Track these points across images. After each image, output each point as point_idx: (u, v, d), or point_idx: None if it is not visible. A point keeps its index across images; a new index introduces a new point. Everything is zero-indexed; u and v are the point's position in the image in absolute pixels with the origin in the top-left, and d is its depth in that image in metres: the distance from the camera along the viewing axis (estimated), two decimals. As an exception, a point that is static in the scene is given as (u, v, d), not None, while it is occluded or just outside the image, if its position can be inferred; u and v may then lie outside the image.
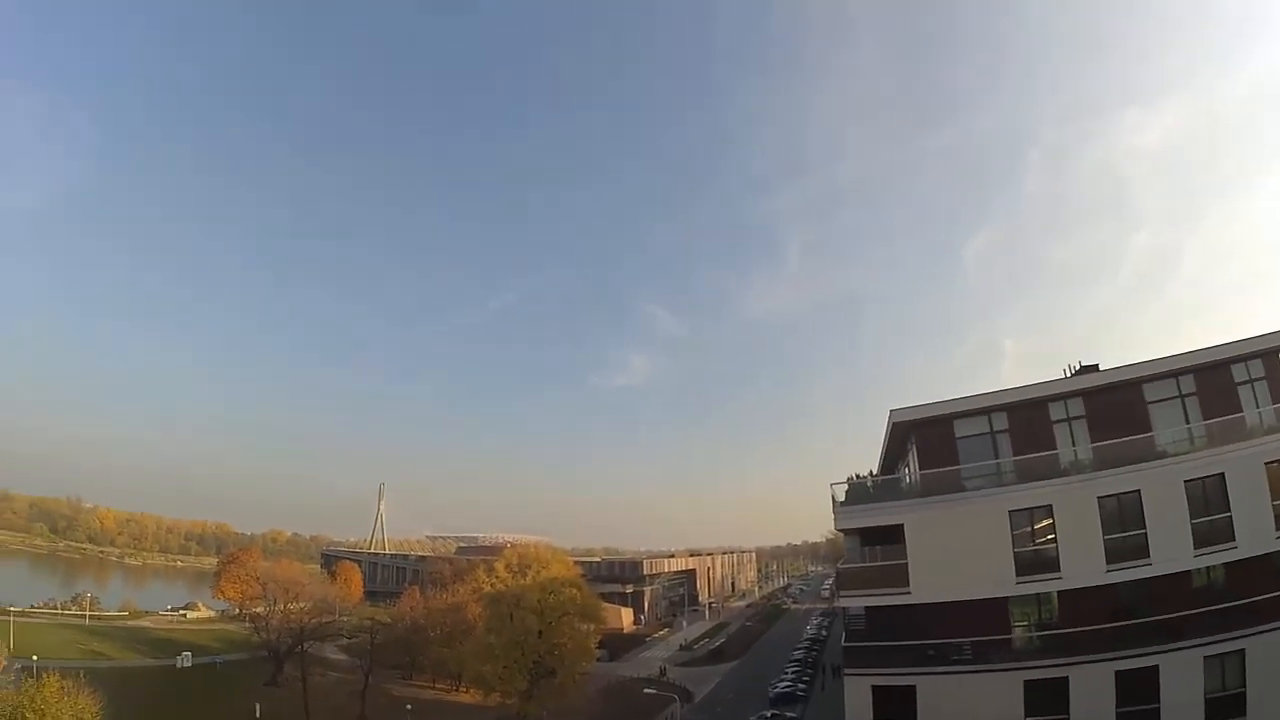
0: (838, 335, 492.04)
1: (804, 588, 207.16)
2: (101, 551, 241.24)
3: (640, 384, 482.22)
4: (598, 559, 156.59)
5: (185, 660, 71.16)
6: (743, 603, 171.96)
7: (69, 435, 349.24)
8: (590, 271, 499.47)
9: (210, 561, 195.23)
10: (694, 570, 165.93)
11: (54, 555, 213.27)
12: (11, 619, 78.72)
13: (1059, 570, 27.49)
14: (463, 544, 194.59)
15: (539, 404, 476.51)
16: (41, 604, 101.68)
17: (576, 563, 74.45)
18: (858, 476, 48.69)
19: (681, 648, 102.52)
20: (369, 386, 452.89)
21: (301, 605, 70.57)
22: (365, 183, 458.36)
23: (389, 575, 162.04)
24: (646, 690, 54.21)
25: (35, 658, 54.70)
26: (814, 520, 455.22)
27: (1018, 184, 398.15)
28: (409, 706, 53.63)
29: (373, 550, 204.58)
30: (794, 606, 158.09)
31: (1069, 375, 32.45)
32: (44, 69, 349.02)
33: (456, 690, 69.04)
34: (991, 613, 28.12)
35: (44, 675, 32.51)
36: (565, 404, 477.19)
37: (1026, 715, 26.67)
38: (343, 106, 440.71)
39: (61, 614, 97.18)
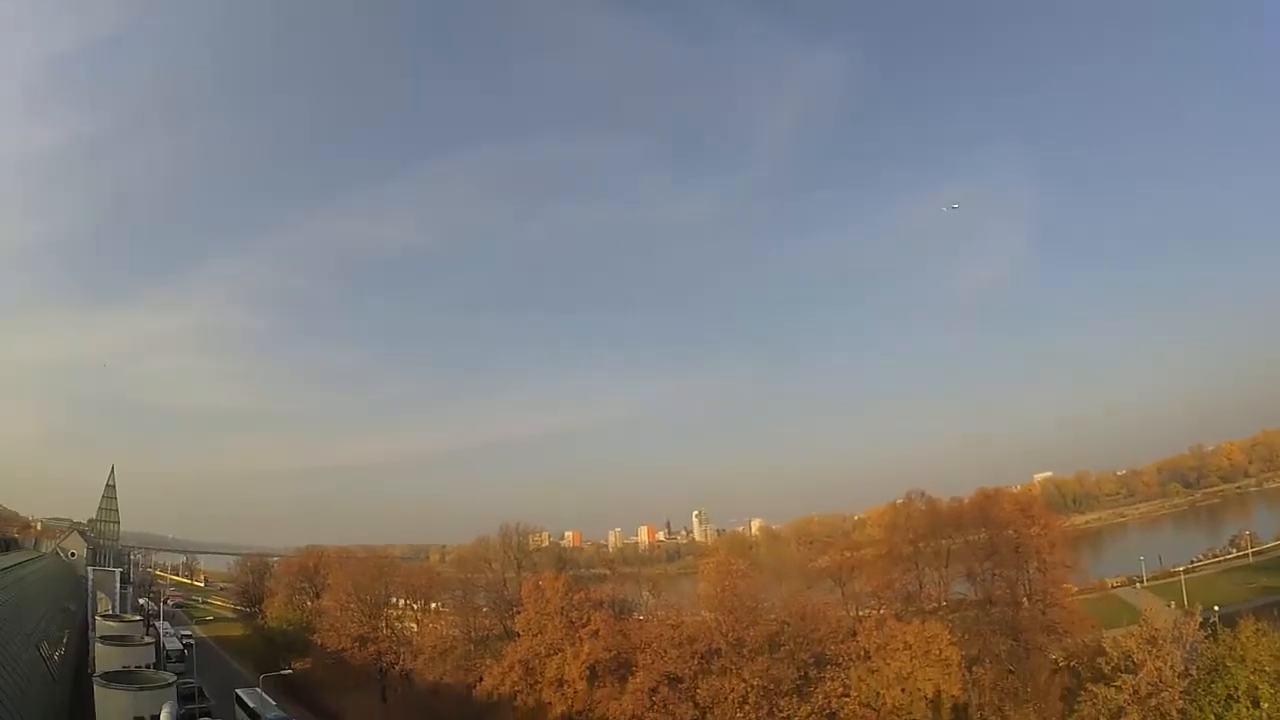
0: None
1: None
2: (1237, 487, 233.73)
3: None
4: None
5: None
6: None
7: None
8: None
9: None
10: None
11: (1194, 508, 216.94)
12: (1182, 577, 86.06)
13: None
14: None
15: None
16: (1201, 556, 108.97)
17: None
18: None
19: None
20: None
21: None
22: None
23: None
24: None
25: (1216, 608, 59.20)
26: None
27: None
28: None
29: None
30: None
31: None
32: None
33: None
34: None
35: (1236, 621, 34.14)
36: None
37: None
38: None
39: (1223, 559, 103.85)
